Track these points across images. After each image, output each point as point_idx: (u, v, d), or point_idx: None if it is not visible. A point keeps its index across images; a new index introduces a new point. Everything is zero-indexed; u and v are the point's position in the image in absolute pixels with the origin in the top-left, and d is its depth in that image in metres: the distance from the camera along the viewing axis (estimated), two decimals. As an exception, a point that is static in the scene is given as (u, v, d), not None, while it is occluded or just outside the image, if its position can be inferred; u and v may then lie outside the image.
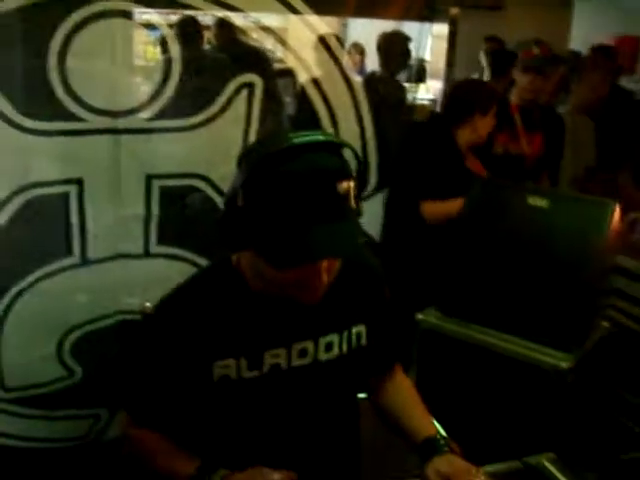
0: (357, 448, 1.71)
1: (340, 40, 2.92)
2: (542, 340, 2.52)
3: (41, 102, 2.17)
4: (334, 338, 1.54)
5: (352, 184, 1.30)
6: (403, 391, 1.73)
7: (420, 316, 2.76)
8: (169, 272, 2.50)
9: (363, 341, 1.60)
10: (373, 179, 2.95)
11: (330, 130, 2.74)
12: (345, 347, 1.56)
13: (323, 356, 1.53)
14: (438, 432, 1.62)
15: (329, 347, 1.54)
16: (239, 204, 1.32)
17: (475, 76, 5.09)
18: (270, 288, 1.43)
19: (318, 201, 1.26)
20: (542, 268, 2.53)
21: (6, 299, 2.29)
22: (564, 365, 2.43)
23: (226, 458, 1.45)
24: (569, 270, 2.47)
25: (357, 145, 2.84)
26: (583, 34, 6.79)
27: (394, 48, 4.06)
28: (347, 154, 1.36)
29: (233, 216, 1.34)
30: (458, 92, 3.27)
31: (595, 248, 2.45)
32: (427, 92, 5.37)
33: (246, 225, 1.33)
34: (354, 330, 1.58)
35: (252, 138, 2.56)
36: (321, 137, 1.35)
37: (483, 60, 5.18)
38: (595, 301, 2.65)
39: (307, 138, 1.31)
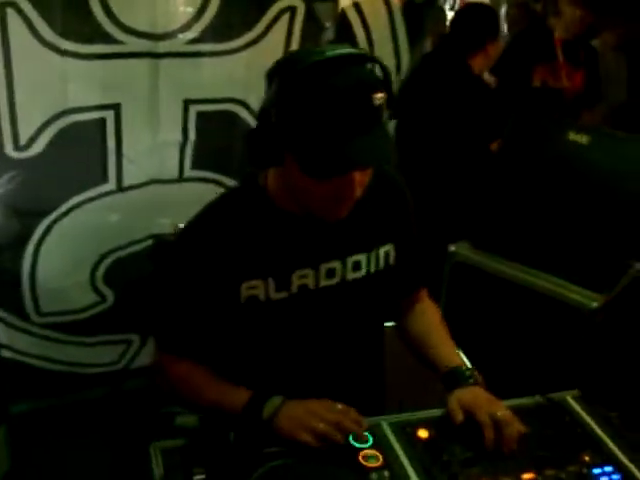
0: (381, 374, 1.73)
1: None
2: (573, 278, 2.51)
3: (79, 23, 2.14)
4: (362, 258, 1.54)
5: (385, 95, 1.31)
6: (429, 318, 1.73)
7: (452, 248, 2.76)
8: (202, 195, 2.51)
9: (391, 261, 1.59)
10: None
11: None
12: (373, 267, 1.56)
13: (351, 276, 1.53)
14: (463, 363, 1.63)
15: (357, 267, 1.54)
16: (273, 119, 1.31)
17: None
18: (299, 205, 1.43)
19: (357, 112, 1.26)
20: (578, 206, 2.50)
21: (43, 225, 2.33)
22: (594, 304, 2.43)
23: (255, 383, 1.47)
24: (605, 209, 2.44)
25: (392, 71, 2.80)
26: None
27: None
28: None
29: (266, 131, 1.33)
30: (464, 21, 3.23)
31: (633, 188, 2.41)
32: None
33: (282, 139, 1.32)
34: (382, 250, 1.57)
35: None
36: (354, 50, 1.35)
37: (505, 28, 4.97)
38: (629, 243, 2.62)
39: (341, 51, 1.30)
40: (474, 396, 1.49)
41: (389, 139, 1.39)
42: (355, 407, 1.44)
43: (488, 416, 1.42)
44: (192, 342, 1.53)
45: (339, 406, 1.39)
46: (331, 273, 1.52)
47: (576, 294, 2.48)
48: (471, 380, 1.53)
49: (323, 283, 1.51)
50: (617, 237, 2.45)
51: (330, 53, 1.28)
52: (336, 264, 1.51)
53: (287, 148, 1.33)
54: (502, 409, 1.45)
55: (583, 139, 2.52)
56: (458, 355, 1.66)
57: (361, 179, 1.36)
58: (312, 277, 1.50)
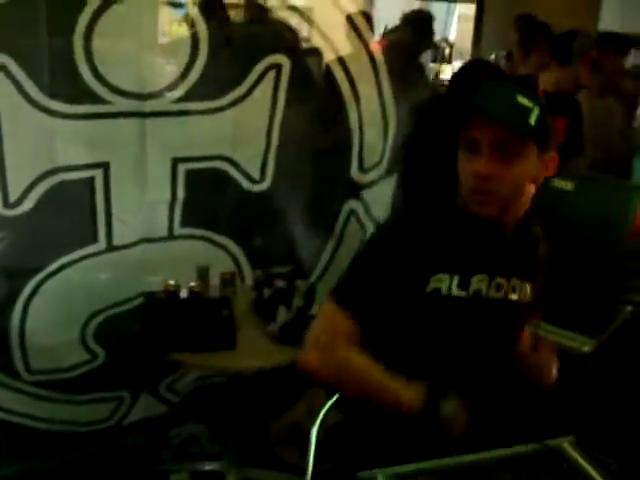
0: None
1: (369, 17, 2.92)
2: (564, 323, 2.51)
3: (67, 84, 2.17)
4: (518, 284, 1.70)
5: None
6: None
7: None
8: (192, 252, 2.53)
9: (529, 298, 1.73)
10: (386, 162, 2.95)
11: (353, 109, 2.76)
12: (522, 296, 1.70)
13: (512, 296, 1.68)
14: None
15: (514, 290, 1.69)
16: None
17: (502, 52, 5.03)
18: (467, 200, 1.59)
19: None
20: (566, 252, 2.51)
21: (32, 284, 2.32)
22: (586, 349, 2.42)
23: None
24: (593, 254, 2.45)
25: (379, 125, 2.86)
26: (614, 12, 6.62)
27: (417, 26, 4.04)
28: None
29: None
30: (462, 74, 3.29)
31: (620, 232, 2.44)
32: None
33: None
34: (527, 285, 1.72)
35: (278, 119, 2.56)
36: None
37: (513, 37, 5.08)
38: (618, 285, 2.63)
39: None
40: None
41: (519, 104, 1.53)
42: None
43: None
44: (369, 306, 1.59)
45: None
46: (499, 287, 1.66)
47: (567, 339, 2.47)
48: None
49: (492, 294, 1.65)
50: (605, 281, 2.46)
51: None
52: (503, 281, 1.67)
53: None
54: None
55: (568, 185, 2.55)
56: None
57: (489, 167, 1.51)
58: (486, 285, 1.64)
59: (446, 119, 1.65)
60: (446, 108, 1.81)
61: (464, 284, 1.61)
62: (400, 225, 1.68)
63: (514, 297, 1.69)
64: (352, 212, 2.94)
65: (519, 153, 1.54)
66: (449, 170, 1.63)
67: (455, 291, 1.60)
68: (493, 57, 5.17)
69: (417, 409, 1.51)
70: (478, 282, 1.63)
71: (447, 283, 1.59)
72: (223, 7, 2.98)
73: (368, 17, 2.97)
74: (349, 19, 2.68)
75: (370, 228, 3.00)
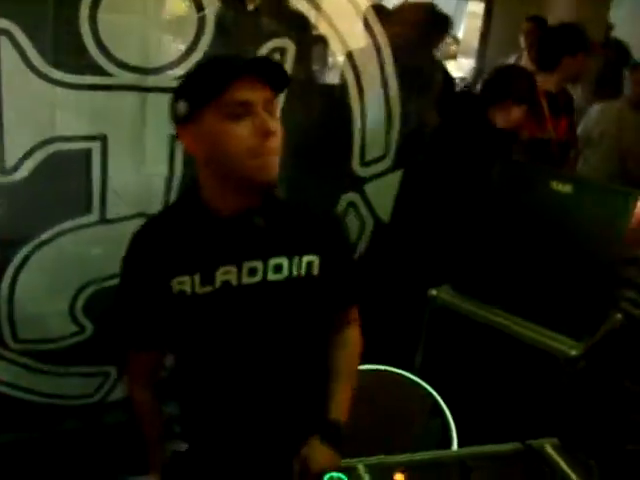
0: (316, 391, 1.74)
1: (381, 8, 2.90)
2: (553, 326, 2.52)
3: (71, 54, 2.15)
4: (283, 261, 1.61)
5: None
6: (343, 358, 1.79)
7: (433, 292, 2.77)
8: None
9: (315, 271, 1.66)
10: (391, 156, 2.93)
11: (356, 100, 2.74)
12: (295, 272, 1.63)
13: (272, 276, 1.61)
14: (339, 419, 1.68)
15: (278, 269, 1.61)
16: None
17: (512, 58, 5.01)
18: (228, 171, 1.52)
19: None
20: (560, 254, 2.52)
21: (23, 251, 2.31)
22: (574, 352, 2.43)
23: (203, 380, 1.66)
24: (587, 258, 2.46)
25: (381, 119, 2.84)
26: (624, 13, 6.58)
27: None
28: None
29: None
30: (498, 75, 3.29)
31: (615, 237, 2.44)
32: (458, 70, 5.31)
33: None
34: (305, 258, 1.64)
35: (279, 101, 2.55)
36: None
37: (522, 42, 5.04)
38: (609, 291, 2.64)
39: None
40: (313, 450, 1.62)
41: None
42: (284, 419, 1.63)
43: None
44: (143, 335, 1.70)
45: None
46: (253, 271, 1.60)
47: (555, 341, 2.49)
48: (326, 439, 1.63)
49: (245, 280, 1.60)
50: (596, 285, 2.47)
51: None
52: (258, 264, 1.60)
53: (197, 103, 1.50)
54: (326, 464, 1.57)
55: (566, 188, 2.55)
56: (340, 408, 1.71)
57: (272, 124, 1.48)
58: (235, 274, 1.59)
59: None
60: None
61: (208, 280, 1.58)
62: (140, 234, 1.66)
63: (274, 277, 1.61)
64: (351, 205, 2.92)
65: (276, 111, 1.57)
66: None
67: (199, 289, 1.58)
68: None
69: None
70: (224, 274, 1.58)
71: (189, 283, 1.57)
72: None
73: (380, 9, 2.95)
74: (359, 9, 2.66)
75: (370, 223, 2.99)
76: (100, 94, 2.23)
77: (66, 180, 2.29)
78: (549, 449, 1.58)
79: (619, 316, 2.70)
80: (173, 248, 1.59)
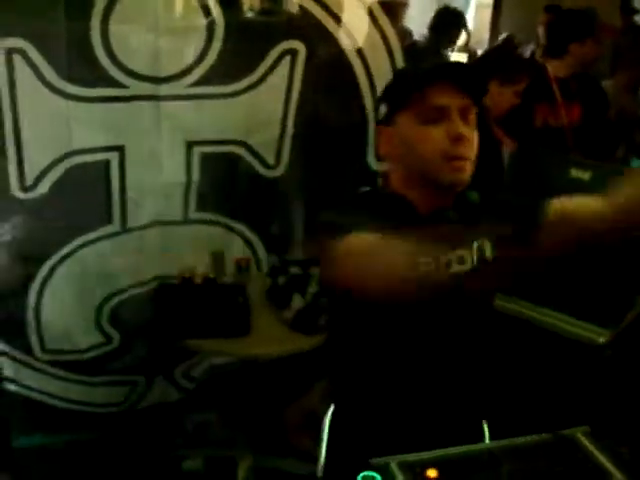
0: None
1: (391, 6, 2.91)
2: (580, 314, 2.49)
3: (84, 68, 2.18)
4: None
5: None
6: None
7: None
8: (206, 237, 2.53)
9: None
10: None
11: (369, 96, 2.74)
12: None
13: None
14: None
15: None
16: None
17: (528, 48, 4.96)
18: (420, 172, 1.52)
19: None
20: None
21: (48, 265, 2.34)
22: (601, 340, 2.41)
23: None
24: (609, 245, 2.43)
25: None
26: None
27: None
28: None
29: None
30: (485, 56, 3.30)
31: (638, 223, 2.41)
32: (468, 61, 5.28)
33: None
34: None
35: (294, 105, 2.55)
36: None
37: (540, 33, 4.97)
38: (635, 278, 2.61)
39: None
40: None
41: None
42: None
43: None
44: None
45: None
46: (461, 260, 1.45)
47: (583, 329, 2.46)
48: None
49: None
50: (621, 272, 2.44)
51: None
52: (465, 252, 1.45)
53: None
54: None
55: (585, 175, 2.52)
56: None
57: (465, 130, 1.48)
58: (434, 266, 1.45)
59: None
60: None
61: None
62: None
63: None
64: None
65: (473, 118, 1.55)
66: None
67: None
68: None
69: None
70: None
71: None
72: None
73: (389, 6, 2.94)
74: (368, 7, 2.66)
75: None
76: (115, 105, 2.25)
77: (86, 192, 2.32)
78: (581, 438, 1.57)
79: (645, 300, 2.67)
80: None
